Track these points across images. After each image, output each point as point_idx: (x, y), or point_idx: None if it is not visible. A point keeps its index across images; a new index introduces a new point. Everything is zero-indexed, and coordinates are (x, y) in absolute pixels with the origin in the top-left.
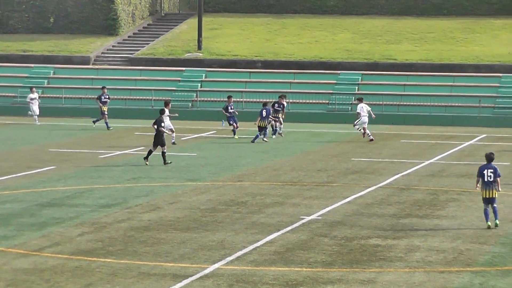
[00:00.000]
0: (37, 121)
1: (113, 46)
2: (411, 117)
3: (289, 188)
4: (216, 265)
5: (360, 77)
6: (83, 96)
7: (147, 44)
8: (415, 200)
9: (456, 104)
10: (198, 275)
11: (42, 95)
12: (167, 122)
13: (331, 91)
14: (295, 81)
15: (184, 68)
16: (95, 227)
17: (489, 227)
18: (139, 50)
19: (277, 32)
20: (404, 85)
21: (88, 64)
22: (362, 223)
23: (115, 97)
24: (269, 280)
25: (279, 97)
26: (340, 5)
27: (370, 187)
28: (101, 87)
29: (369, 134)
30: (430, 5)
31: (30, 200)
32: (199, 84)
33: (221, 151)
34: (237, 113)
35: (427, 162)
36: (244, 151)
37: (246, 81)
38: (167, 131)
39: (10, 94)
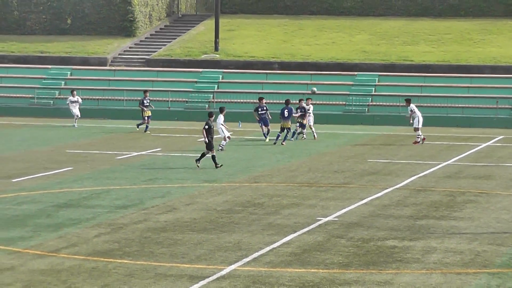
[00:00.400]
0: (75, 124)
1: (130, 47)
2: (428, 118)
3: (306, 189)
4: (232, 266)
5: (377, 79)
6: (100, 97)
7: (164, 45)
8: (431, 201)
9: (473, 106)
10: (214, 276)
11: (59, 96)
12: (223, 128)
13: (348, 92)
14: (312, 82)
15: (201, 70)
16: (112, 228)
17: None
18: (156, 51)
19: (294, 33)
20: (421, 86)
21: (105, 66)
22: (378, 224)
23: (132, 98)
24: (286, 282)
25: (299, 100)
26: (357, 6)
27: (386, 188)
28: (143, 90)
29: (418, 137)
30: (447, 6)
31: (47, 201)
32: (216, 86)
33: (237, 152)
34: (270, 117)
35: (444, 164)
36: (261, 152)
37: (263, 83)
38: (205, 136)
39: (27, 96)
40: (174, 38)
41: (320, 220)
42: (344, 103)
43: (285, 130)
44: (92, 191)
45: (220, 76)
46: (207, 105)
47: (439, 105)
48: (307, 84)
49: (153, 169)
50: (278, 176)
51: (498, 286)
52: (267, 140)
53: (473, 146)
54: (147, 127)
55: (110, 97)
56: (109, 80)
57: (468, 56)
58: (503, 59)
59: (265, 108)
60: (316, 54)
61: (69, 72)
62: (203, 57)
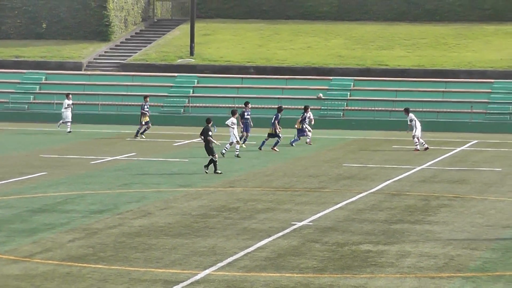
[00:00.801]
0: (69, 128)
1: (105, 51)
2: (403, 123)
3: (281, 194)
4: (207, 271)
5: (352, 83)
6: (75, 102)
7: (140, 49)
8: (406, 205)
9: (448, 110)
10: (189, 281)
11: (34, 101)
12: (235, 132)
13: (324, 97)
14: (288, 87)
15: (176, 74)
16: (86, 233)
17: None
18: (131, 56)
19: (270, 37)
20: (396, 91)
21: (80, 70)
22: (353, 228)
23: (108, 103)
24: (260, 286)
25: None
26: (333, 11)
27: (361, 192)
28: (144, 96)
29: (417, 143)
30: (422, 11)
31: (21, 206)
32: (191, 90)
33: None
34: (252, 124)
35: (418, 168)
36: (236, 157)
37: (238, 87)
38: (214, 141)
39: (2, 100)
40: (150, 43)
41: (295, 224)
42: (319, 107)
43: (274, 136)
44: (66, 196)
45: (196, 80)
46: (182, 110)
47: (414, 109)
48: (282, 88)
49: (128, 174)
50: (254, 181)
51: None
52: (244, 146)
53: (448, 150)
54: (138, 131)
55: (85, 102)
56: (84, 84)
57: (443, 61)
58: (478, 64)
59: (249, 113)
60: (292, 58)
61: (44, 77)
62: (179, 61)
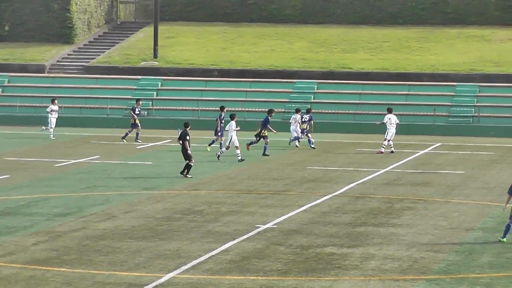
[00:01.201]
0: (52, 135)
1: (68, 54)
2: (367, 125)
3: (245, 197)
4: (171, 274)
5: (316, 86)
6: (38, 105)
7: (103, 52)
8: (370, 208)
9: (411, 113)
10: (153, 284)
11: None
12: (234, 137)
13: (287, 100)
14: (251, 89)
15: (140, 77)
16: (50, 236)
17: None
18: (94, 58)
19: (234, 40)
20: (360, 94)
21: (43, 73)
22: (317, 231)
23: (71, 105)
24: None
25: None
26: (296, 14)
27: (325, 195)
28: (136, 99)
29: (391, 146)
30: (385, 14)
31: None
32: (155, 93)
33: (177, 160)
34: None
35: (382, 171)
36: (200, 160)
37: (202, 90)
38: (188, 148)
39: None
40: (113, 45)
41: (259, 227)
42: (283, 110)
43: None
44: (30, 199)
45: (159, 83)
46: (146, 112)
47: (377, 112)
48: (246, 91)
49: (92, 177)
50: (218, 184)
51: None
52: (209, 149)
53: (411, 153)
54: (127, 134)
55: (48, 104)
56: (48, 87)
57: (406, 64)
58: (441, 67)
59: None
60: (256, 61)
61: (6, 79)
62: (142, 64)
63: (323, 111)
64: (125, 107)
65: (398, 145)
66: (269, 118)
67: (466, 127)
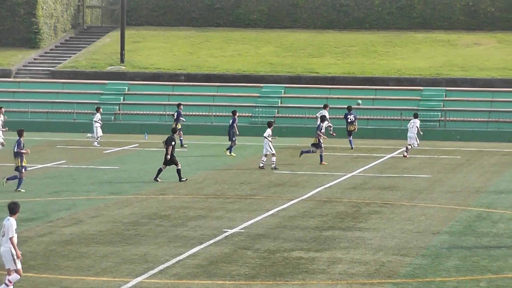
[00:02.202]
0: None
1: (34, 59)
2: (333, 130)
3: (212, 201)
4: (138, 279)
5: (283, 90)
6: (5, 109)
7: (69, 57)
8: (337, 212)
9: (378, 117)
10: None
11: None
12: (268, 145)
13: (254, 104)
14: (218, 94)
15: (106, 81)
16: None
17: None
18: (61, 63)
19: (200, 45)
20: (327, 98)
21: (10, 77)
22: (285, 235)
23: (37, 110)
24: None
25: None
26: (263, 18)
27: (293, 199)
28: (177, 104)
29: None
30: (352, 19)
31: None
32: (122, 97)
33: (144, 164)
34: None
35: (349, 175)
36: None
37: (169, 94)
38: (169, 152)
39: None
40: (80, 50)
41: (227, 231)
42: (250, 114)
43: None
44: None
45: (126, 87)
46: (113, 117)
47: (344, 117)
48: (213, 96)
49: (58, 182)
50: (185, 188)
51: None
52: (234, 154)
53: (378, 157)
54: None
55: (14, 109)
56: (14, 92)
57: (373, 68)
58: (407, 71)
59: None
60: (223, 66)
61: None
62: (109, 68)
63: (290, 115)
64: (92, 111)
65: (365, 149)
66: (322, 125)
67: (433, 131)
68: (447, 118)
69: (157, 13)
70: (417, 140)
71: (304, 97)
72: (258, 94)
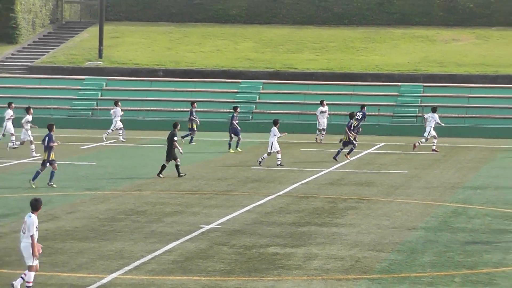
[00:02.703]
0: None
1: (12, 54)
2: (311, 125)
3: (189, 197)
4: (114, 275)
5: (261, 86)
6: None
7: (48, 52)
8: (314, 208)
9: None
10: (95, 285)
11: None
12: (274, 143)
13: (233, 100)
14: (197, 89)
15: (84, 77)
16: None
17: None
18: (39, 58)
19: (179, 40)
20: (305, 94)
21: None
22: (261, 231)
23: (15, 106)
24: None
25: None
26: (242, 14)
27: (269, 195)
28: (191, 102)
29: (419, 143)
30: (331, 14)
31: None
32: (100, 93)
33: (121, 160)
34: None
35: (326, 171)
36: (144, 160)
37: (147, 90)
38: (179, 148)
39: None
40: (58, 45)
41: (203, 227)
42: (228, 110)
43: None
44: None
45: (104, 83)
46: (90, 113)
47: (295, 112)
48: (191, 91)
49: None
50: (162, 184)
51: None
52: (240, 149)
53: (355, 153)
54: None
55: None
56: None
57: (351, 64)
58: (385, 67)
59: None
60: (201, 61)
61: None
62: (87, 64)
63: (268, 111)
64: (70, 107)
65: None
66: (351, 121)
67: (410, 127)
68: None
69: (136, 9)
70: (428, 135)
71: (282, 93)
72: (236, 90)
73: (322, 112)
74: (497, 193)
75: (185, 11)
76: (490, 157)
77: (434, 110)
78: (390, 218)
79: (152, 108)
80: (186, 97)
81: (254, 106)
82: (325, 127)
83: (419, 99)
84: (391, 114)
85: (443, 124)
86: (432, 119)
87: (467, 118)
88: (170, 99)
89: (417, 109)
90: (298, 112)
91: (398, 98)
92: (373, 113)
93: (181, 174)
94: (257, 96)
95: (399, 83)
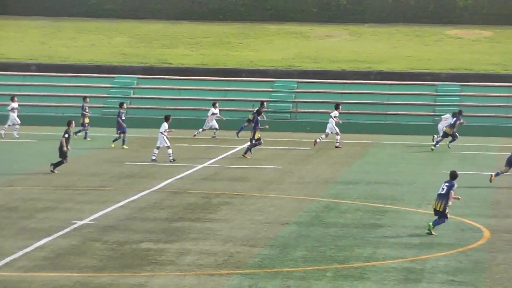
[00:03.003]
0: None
1: None
2: (187, 121)
3: (62, 193)
4: None
5: (135, 81)
6: None
7: None
8: (188, 203)
9: (231, 109)
10: None
11: None
12: (163, 138)
13: (106, 95)
14: (70, 84)
15: None
16: None
17: None
18: None
19: (53, 35)
20: (179, 89)
21: None
22: (134, 227)
23: None
24: (38, 286)
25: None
26: (117, 8)
27: (143, 191)
28: (83, 97)
29: (319, 140)
30: (206, 10)
31: None
32: None
33: None
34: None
35: (200, 166)
36: (17, 155)
37: (19, 85)
38: (65, 145)
39: None
40: None
41: (76, 223)
42: (102, 105)
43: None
44: None
45: None
46: None
47: (197, 108)
48: (65, 86)
49: None
50: (34, 180)
51: (250, 286)
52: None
53: (230, 148)
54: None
55: None
56: None
57: (226, 60)
58: (260, 63)
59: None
60: (75, 56)
61: None
62: None
63: (142, 106)
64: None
65: (216, 140)
66: (259, 118)
67: (284, 122)
68: (298, 110)
69: (8, 2)
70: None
71: (157, 88)
72: (110, 85)
73: (213, 113)
74: (368, 188)
75: (59, 5)
76: (362, 152)
77: (336, 107)
78: (263, 213)
79: (25, 103)
80: (60, 92)
81: (129, 101)
82: (217, 127)
83: (293, 95)
84: (266, 109)
85: (341, 121)
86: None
87: (341, 114)
88: (43, 93)
89: (291, 105)
90: (173, 107)
91: (272, 94)
92: (248, 109)
93: (54, 170)
94: (132, 91)
95: (274, 79)
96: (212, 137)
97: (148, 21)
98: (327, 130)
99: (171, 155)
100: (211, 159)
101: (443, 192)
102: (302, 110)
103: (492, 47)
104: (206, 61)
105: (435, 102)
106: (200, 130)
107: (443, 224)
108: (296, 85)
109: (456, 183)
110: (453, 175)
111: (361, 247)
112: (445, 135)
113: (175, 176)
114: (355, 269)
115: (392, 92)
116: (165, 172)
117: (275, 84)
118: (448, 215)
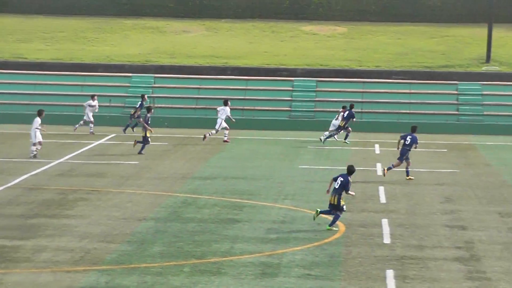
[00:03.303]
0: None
1: None
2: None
3: None
4: None
5: None
6: None
7: None
8: (43, 200)
9: (103, 104)
10: None
11: None
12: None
13: None
14: None
15: None
16: None
17: None
18: None
19: None
20: (35, 84)
21: None
22: None
23: None
24: None
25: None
26: None
27: None
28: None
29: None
30: (60, 4)
31: None
32: None
33: None
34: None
35: (56, 162)
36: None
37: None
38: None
39: None
40: None
41: None
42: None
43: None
44: None
45: None
46: None
47: (54, 103)
48: None
49: None
50: None
51: (107, 283)
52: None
53: (86, 144)
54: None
55: None
56: None
57: (82, 55)
58: (116, 58)
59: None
60: None
61: None
62: None
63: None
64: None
65: (73, 136)
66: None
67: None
68: (156, 105)
69: None
70: (219, 127)
71: (11, 83)
72: None
73: (90, 106)
74: (225, 183)
75: None
76: (219, 148)
77: (225, 103)
78: (121, 209)
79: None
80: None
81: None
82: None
83: (151, 90)
84: (123, 104)
85: (233, 120)
86: (224, 112)
87: (198, 109)
88: None
89: (149, 100)
90: (28, 102)
91: (129, 89)
92: (105, 104)
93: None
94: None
95: (130, 74)
96: (90, 132)
97: (2, 15)
98: (217, 126)
99: (34, 152)
100: (67, 155)
101: (337, 186)
102: (160, 105)
103: (346, 43)
104: (62, 56)
105: (291, 97)
106: (82, 122)
107: (339, 218)
108: (153, 80)
109: (351, 178)
110: (350, 170)
111: (218, 242)
112: (339, 128)
113: (31, 172)
114: (213, 264)
115: (249, 88)
116: (21, 168)
117: (133, 79)
118: (344, 208)
